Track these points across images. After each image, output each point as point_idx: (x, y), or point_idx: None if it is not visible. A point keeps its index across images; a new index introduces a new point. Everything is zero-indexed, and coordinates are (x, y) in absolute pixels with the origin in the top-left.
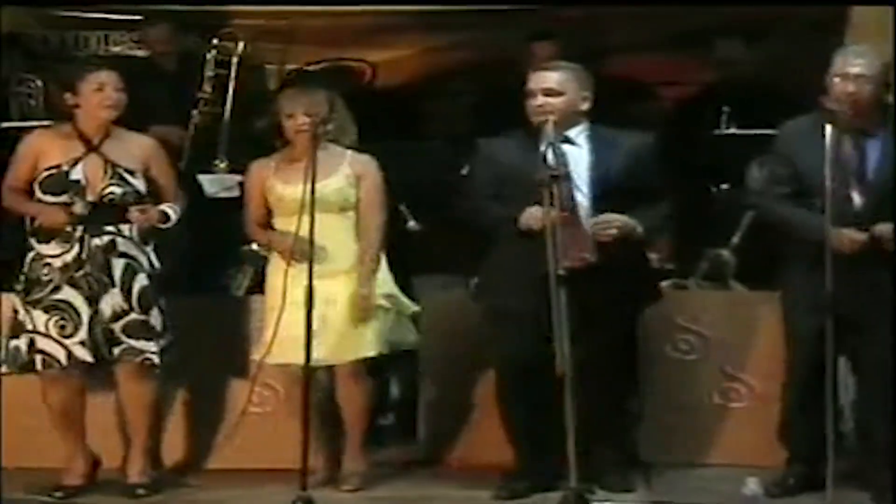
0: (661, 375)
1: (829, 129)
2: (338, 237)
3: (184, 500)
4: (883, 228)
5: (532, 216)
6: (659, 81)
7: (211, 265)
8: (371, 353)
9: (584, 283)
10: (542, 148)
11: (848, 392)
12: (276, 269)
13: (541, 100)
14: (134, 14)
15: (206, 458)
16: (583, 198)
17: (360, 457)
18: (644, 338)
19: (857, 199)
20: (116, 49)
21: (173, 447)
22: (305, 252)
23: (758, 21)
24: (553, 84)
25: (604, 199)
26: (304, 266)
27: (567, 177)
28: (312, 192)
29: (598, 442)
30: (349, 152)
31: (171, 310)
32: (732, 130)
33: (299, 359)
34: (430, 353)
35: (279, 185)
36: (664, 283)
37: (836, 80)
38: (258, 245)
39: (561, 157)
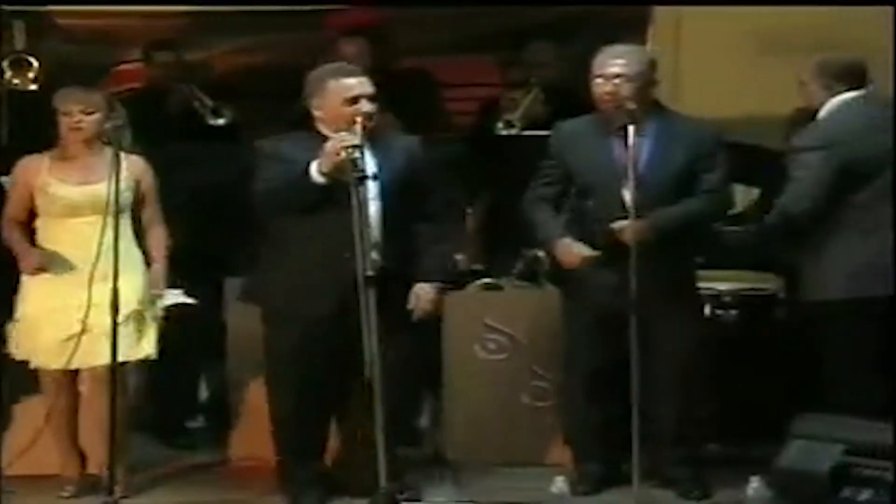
0: (470, 376)
1: (630, 128)
2: (109, 241)
3: None
4: (620, 224)
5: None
6: (474, 83)
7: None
8: (146, 356)
9: (380, 285)
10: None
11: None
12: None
13: (367, 105)
14: None
15: (10, 465)
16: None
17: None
18: (452, 338)
19: (627, 196)
20: None
21: None
22: (53, 261)
23: (565, 21)
24: (370, 89)
25: (393, 197)
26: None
27: (372, 178)
28: (117, 191)
29: (403, 443)
30: (122, 154)
31: None
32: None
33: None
34: (237, 356)
35: (54, 183)
36: (476, 284)
37: (598, 80)
38: (6, 244)
39: (363, 160)
